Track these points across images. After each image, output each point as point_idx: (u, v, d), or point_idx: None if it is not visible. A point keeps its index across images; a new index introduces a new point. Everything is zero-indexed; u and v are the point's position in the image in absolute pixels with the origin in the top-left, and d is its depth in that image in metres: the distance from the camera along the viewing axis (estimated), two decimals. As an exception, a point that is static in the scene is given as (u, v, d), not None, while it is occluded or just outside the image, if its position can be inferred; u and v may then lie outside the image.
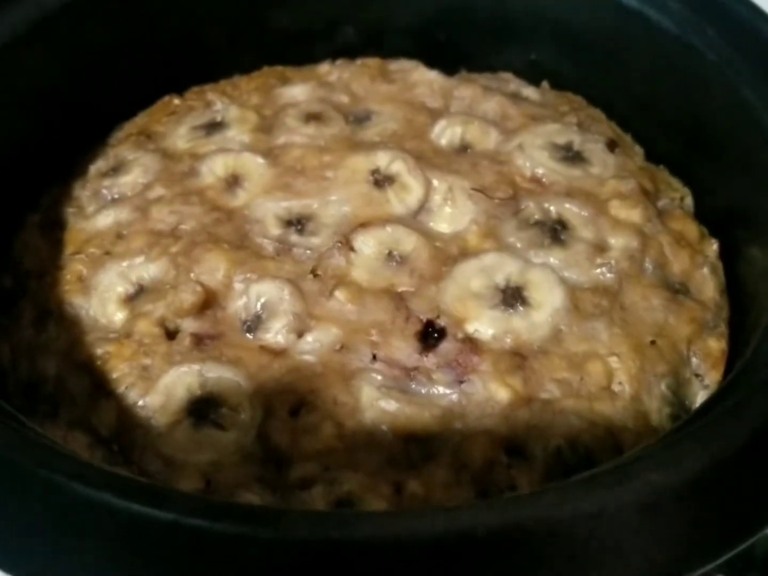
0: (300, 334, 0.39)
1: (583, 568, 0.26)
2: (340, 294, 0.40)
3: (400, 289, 0.41)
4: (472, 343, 0.39)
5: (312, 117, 0.50)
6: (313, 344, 0.39)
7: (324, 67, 0.55)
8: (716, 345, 0.41)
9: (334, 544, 0.26)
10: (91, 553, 0.27)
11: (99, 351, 0.39)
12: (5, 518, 0.27)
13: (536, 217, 0.44)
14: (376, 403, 0.37)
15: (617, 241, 0.43)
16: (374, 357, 0.38)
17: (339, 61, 0.56)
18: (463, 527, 0.26)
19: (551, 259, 0.42)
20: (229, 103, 0.52)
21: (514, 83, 0.55)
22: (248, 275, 0.41)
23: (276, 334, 0.39)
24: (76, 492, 0.27)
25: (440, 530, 0.26)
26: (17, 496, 0.27)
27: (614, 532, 0.27)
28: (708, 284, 0.44)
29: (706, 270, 0.44)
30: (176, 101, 0.53)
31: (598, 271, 0.42)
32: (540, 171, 0.46)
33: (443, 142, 0.49)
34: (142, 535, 0.26)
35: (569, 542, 0.26)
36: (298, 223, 0.44)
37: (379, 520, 0.27)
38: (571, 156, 0.47)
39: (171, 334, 0.40)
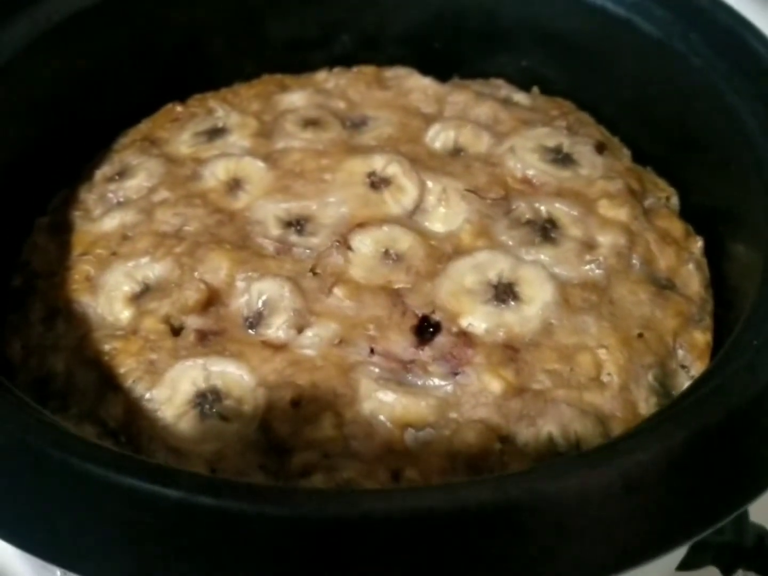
0: (300, 330, 0.40)
1: (569, 541, 0.28)
2: (338, 291, 0.42)
3: (396, 286, 0.42)
4: (466, 337, 0.40)
5: (310, 122, 0.51)
6: (313, 339, 0.40)
7: (321, 75, 0.57)
8: (701, 337, 0.43)
9: (335, 520, 0.27)
10: (102, 530, 0.28)
11: (106, 347, 0.40)
12: (19, 498, 0.29)
13: (527, 216, 0.45)
14: (374, 394, 0.38)
15: (605, 239, 0.45)
16: (372, 351, 0.40)
17: (336, 69, 0.57)
18: (457, 502, 0.27)
19: (542, 256, 0.44)
20: (230, 109, 0.53)
21: (505, 89, 0.56)
22: (250, 274, 0.42)
23: (277, 329, 0.40)
24: (88, 472, 0.28)
25: (435, 504, 0.27)
26: (31, 476, 0.29)
27: (600, 506, 0.28)
28: (693, 279, 0.45)
29: (691, 266, 0.46)
30: (179, 108, 0.55)
31: (587, 267, 0.43)
32: (531, 172, 0.48)
33: (437, 145, 0.50)
34: (152, 512, 0.27)
35: (557, 516, 0.28)
36: (297, 223, 0.45)
37: (377, 497, 0.28)
38: (561, 158, 0.49)
39: (176, 331, 0.41)
